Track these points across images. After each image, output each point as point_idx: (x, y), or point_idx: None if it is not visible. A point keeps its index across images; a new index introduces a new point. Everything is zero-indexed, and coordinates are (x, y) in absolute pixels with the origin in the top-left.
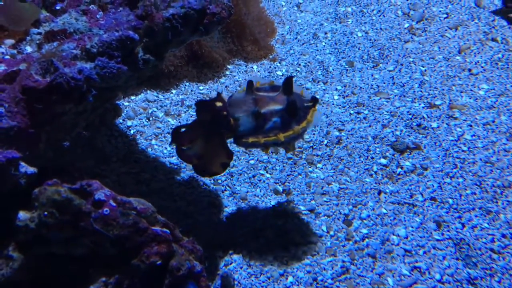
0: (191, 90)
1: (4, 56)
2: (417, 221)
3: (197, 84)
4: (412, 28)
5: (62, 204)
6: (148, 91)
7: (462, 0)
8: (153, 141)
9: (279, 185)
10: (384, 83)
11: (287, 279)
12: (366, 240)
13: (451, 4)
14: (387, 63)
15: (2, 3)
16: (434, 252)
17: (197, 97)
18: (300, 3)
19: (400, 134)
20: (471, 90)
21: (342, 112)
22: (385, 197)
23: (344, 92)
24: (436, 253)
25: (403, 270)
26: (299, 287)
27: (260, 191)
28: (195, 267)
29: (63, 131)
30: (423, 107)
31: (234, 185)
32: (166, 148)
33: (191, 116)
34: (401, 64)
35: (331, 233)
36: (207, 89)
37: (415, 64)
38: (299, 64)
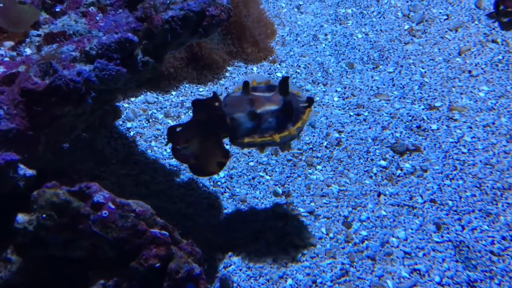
0: (191, 92)
1: (3, 58)
2: (417, 223)
3: (197, 86)
4: (412, 30)
5: (61, 207)
6: (148, 93)
7: (463, 1)
8: (153, 143)
9: (279, 187)
10: (384, 84)
11: (286, 281)
12: (366, 242)
13: (451, 6)
14: (387, 65)
15: (2, 5)
16: (433, 254)
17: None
18: (300, 5)
19: (400, 136)
20: (471, 91)
21: (342, 114)
22: (385, 199)
23: (344, 93)
24: (436, 255)
25: (402, 273)
26: None
27: (260, 193)
28: (194, 269)
29: (62, 133)
30: (423, 109)
31: (234, 187)
32: (165, 150)
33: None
34: (401, 66)
35: (331, 235)
36: (207, 90)
37: (415, 66)
38: (299, 66)
